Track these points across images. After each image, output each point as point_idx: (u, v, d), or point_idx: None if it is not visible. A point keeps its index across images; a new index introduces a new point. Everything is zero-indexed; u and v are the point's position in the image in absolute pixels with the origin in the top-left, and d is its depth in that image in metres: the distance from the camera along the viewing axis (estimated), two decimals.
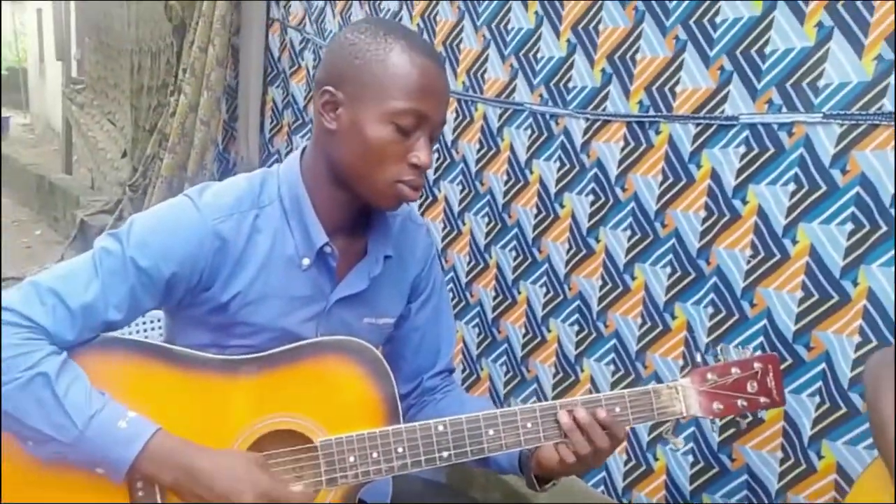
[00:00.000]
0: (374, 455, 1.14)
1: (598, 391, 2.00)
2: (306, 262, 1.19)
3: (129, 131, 5.23)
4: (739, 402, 1.24)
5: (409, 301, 1.34)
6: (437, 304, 1.37)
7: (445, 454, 1.14)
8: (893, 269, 1.45)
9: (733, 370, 1.24)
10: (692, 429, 1.80)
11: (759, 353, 1.31)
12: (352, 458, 1.13)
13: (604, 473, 2.00)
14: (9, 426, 1.06)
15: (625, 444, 1.94)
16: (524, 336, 2.23)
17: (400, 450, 1.14)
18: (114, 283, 1.10)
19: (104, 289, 1.09)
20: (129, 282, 1.10)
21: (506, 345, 2.28)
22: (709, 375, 1.24)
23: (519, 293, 2.24)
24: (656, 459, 1.90)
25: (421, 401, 1.36)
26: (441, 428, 1.14)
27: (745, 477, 1.72)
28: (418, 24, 2.51)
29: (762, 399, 1.26)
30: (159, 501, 1.10)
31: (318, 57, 3.10)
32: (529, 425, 1.15)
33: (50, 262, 4.46)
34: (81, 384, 1.07)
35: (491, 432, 1.15)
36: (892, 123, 1.44)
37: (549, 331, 2.17)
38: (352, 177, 1.16)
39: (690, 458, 1.82)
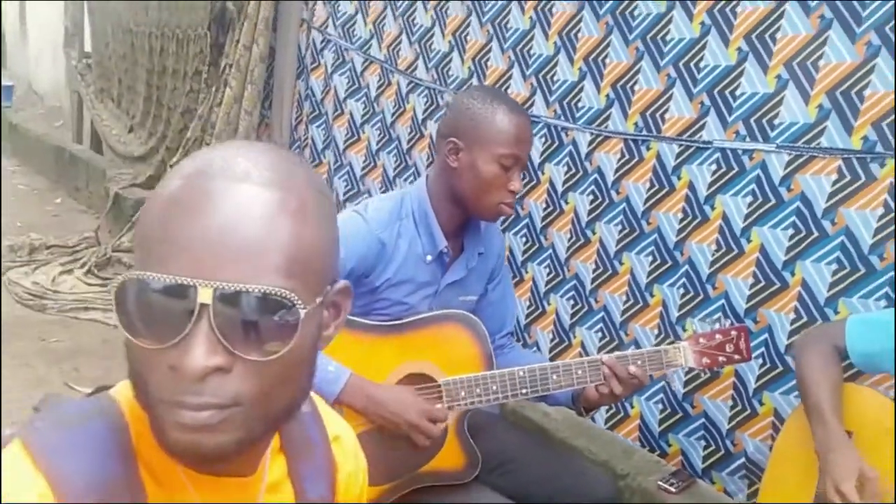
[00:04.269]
0: (478, 391, 1.61)
1: (587, 355, 2.48)
2: (429, 258, 1.69)
3: (137, 108, 5.54)
4: (720, 357, 1.73)
5: (487, 283, 1.81)
6: (504, 285, 1.88)
7: (524, 391, 1.62)
8: (823, 264, 1.94)
9: (717, 336, 1.73)
10: (662, 383, 2.29)
11: (730, 324, 1.81)
12: (462, 393, 1.60)
13: (598, 422, 2.48)
14: None
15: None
16: (528, 308, 2.70)
17: (494, 388, 1.61)
18: None
19: None
20: None
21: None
22: (700, 339, 1.72)
23: (526, 273, 2.71)
24: (632, 407, 2.39)
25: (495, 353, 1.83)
26: (521, 373, 1.62)
27: (702, 420, 2.21)
28: (449, 41, 2.95)
29: (736, 356, 1.74)
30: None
31: (339, 56, 3.50)
32: (580, 373, 1.63)
33: (80, 230, 4.80)
34: None
35: (555, 377, 1.62)
36: (828, 156, 1.93)
37: (548, 304, 2.64)
38: (468, 199, 1.65)
39: (660, 406, 2.31)
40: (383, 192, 3.17)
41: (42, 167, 6.57)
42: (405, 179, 3.14)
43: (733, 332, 1.74)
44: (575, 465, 1.83)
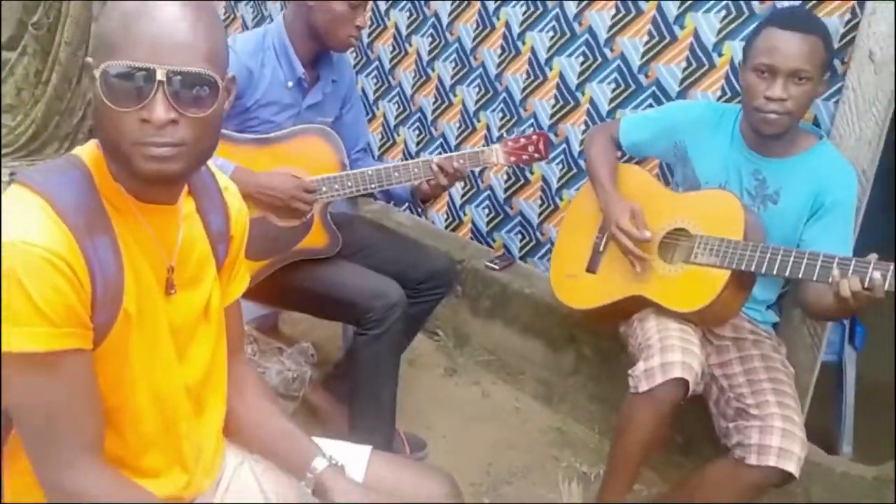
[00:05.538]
0: (336, 186, 2.02)
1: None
2: (290, 84, 2.04)
3: None
4: (524, 156, 2.23)
5: (342, 107, 2.21)
6: (356, 109, 2.28)
7: (373, 185, 2.05)
8: (605, 84, 2.47)
9: (522, 140, 2.22)
10: (487, 192, 2.83)
11: (536, 130, 2.32)
12: (324, 188, 2.01)
13: (438, 224, 3.01)
14: None
15: (447, 203, 2.95)
16: (381, 140, 3.13)
17: (349, 183, 2.02)
18: None
19: None
20: None
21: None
22: (509, 143, 2.20)
23: (378, 110, 3.12)
24: (465, 214, 2.93)
25: (352, 165, 2.25)
26: (370, 172, 2.04)
27: (519, 218, 2.78)
28: None
29: (536, 155, 2.24)
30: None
31: None
32: (416, 170, 2.07)
33: None
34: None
35: (396, 174, 2.06)
36: None
37: (398, 136, 3.08)
38: (321, 33, 1.99)
39: (486, 211, 2.87)
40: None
41: None
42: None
43: (534, 137, 2.25)
44: (420, 247, 2.33)
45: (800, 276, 1.61)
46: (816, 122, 2.05)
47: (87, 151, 1.08)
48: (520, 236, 2.79)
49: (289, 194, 1.93)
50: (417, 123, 3.04)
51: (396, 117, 3.11)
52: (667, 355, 1.69)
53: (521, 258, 2.79)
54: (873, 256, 1.56)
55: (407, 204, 2.63)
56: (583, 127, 2.53)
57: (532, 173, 2.71)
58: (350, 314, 2.04)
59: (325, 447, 1.27)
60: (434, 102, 2.97)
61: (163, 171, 1.00)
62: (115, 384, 1.07)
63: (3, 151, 3.56)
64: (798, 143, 1.83)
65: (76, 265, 0.98)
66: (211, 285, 1.21)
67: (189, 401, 1.19)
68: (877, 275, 1.50)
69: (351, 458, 1.29)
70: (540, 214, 2.71)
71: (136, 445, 1.11)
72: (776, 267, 1.64)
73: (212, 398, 1.24)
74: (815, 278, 1.59)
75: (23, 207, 0.99)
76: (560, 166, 2.64)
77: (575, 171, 2.60)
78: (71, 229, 0.98)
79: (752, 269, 1.68)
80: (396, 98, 3.09)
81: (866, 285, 1.51)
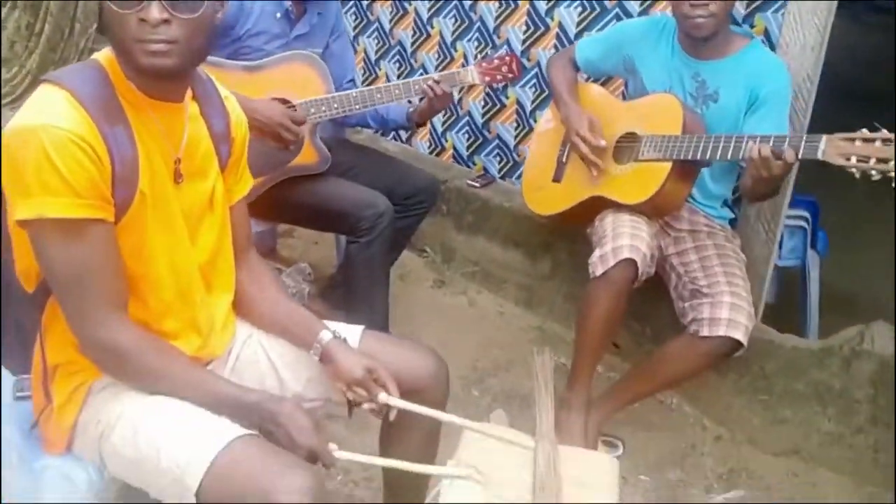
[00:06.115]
0: (323, 108, 2.19)
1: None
2: (278, 15, 2.20)
3: None
4: (498, 75, 2.40)
5: (329, 37, 2.36)
6: (343, 40, 2.43)
7: (357, 106, 2.21)
8: (572, 9, 2.63)
9: (495, 60, 2.39)
10: (467, 118, 3.01)
11: (508, 52, 2.49)
12: (312, 110, 2.17)
13: (422, 150, 3.18)
14: None
15: (429, 131, 3.13)
16: (363, 74, 3.29)
17: (336, 105, 2.19)
18: None
19: None
20: None
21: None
22: (483, 64, 2.38)
23: (359, 45, 3.27)
24: (447, 141, 3.11)
25: None
26: (355, 94, 2.20)
27: (496, 142, 2.96)
28: None
29: (510, 74, 2.41)
30: None
31: None
32: (397, 91, 2.22)
33: None
34: None
35: (378, 95, 2.22)
36: None
37: (379, 70, 3.24)
38: None
39: (466, 136, 3.04)
40: None
41: None
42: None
43: (507, 58, 2.42)
44: (405, 166, 2.51)
45: (728, 157, 1.81)
46: (767, 34, 2.23)
47: (104, 55, 1.26)
48: (498, 158, 2.98)
49: (277, 122, 2.09)
50: (397, 56, 3.19)
51: (377, 52, 3.26)
52: (617, 241, 1.90)
53: (501, 178, 2.97)
54: (787, 133, 1.76)
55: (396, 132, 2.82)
56: (552, 51, 2.69)
57: (507, 98, 2.88)
58: (342, 224, 2.24)
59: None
60: (413, 35, 3.12)
61: (158, 66, 1.18)
62: (137, 256, 1.26)
63: (4, 101, 3.71)
64: (731, 45, 2.01)
65: (97, 147, 1.16)
66: (214, 180, 1.39)
67: (201, 278, 1.38)
68: (786, 146, 1.70)
69: (346, 334, 1.47)
70: (516, 136, 2.89)
71: (156, 310, 1.31)
72: (709, 152, 1.84)
73: (219, 280, 1.43)
74: (740, 156, 1.79)
75: (51, 100, 1.17)
76: (533, 89, 2.81)
77: (547, 93, 2.76)
78: (92, 117, 1.17)
79: (690, 157, 1.88)
80: (376, 33, 3.24)
81: (774, 150, 1.70)
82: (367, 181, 2.35)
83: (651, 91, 2.10)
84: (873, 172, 1.59)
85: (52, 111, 1.15)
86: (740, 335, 1.88)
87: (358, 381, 1.37)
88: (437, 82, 2.25)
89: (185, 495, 1.18)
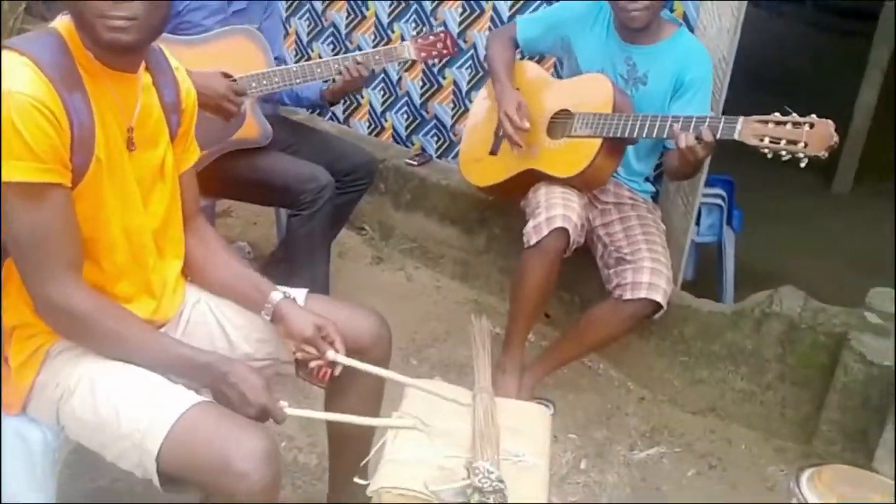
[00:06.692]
0: (264, 82, 2.21)
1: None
2: None
3: None
4: (434, 52, 2.47)
5: (263, 13, 2.39)
6: (274, 17, 2.45)
7: (297, 81, 2.24)
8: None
9: (431, 37, 2.46)
10: (405, 98, 3.08)
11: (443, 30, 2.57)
12: (253, 84, 2.19)
13: (361, 131, 3.24)
14: None
15: (367, 111, 3.19)
16: (296, 56, 3.32)
17: (276, 79, 2.22)
18: None
19: None
20: None
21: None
22: (419, 40, 2.45)
23: (290, 27, 3.30)
24: (386, 121, 3.18)
25: None
26: (294, 69, 2.24)
27: (434, 121, 3.05)
28: None
29: (444, 51, 2.49)
30: None
31: None
32: (336, 66, 2.27)
33: None
34: None
35: (318, 70, 2.24)
36: None
37: (312, 51, 3.28)
38: None
39: (405, 117, 3.12)
40: None
41: None
42: None
43: (441, 35, 2.48)
44: (344, 143, 2.57)
45: (654, 135, 1.95)
46: (685, 17, 2.38)
47: (62, 24, 1.30)
48: (435, 138, 3.06)
49: (219, 94, 2.12)
50: (331, 38, 3.24)
51: (308, 34, 3.29)
52: (550, 211, 2.01)
53: (438, 157, 3.06)
54: (709, 114, 1.91)
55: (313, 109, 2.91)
56: (487, 33, 2.79)
57: (444, 79, 2.97)
58: (284, 198, 2.29)
59: None
60: (348, 17, 3.17)
61: (120, 40, 1.23)
62: (92, 219, 1.30)
63: None
64: (661, 31, 2.15)
65: (58, 113, 1.20)
66: (165, 149, 1.44)
67: (153, 243, 1.43)
68: (705, 127, 1.84)
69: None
70: (453, 116, 2.98)
71: (111, 273, 1.35)
72: (636, 130, 1.97)
73: (170, 247, 1.48)
74: (665, 135, 1.93)
75: (13, 66, 1.21)
76: (469, 70, 2.90)
77: (482, 73, 2.86)
78: (53, 84, 1.21)
79: (619, 134, 2.00)
80: (307, 14, 3.27)
81: (696, 134, 1.85)
82: (306, 157, 2.40)
83: (585, 71, 2.21)
84: (783, 153, 1.74)
85: (15, 77, 1.19)
86: (660, 297, 2.03)
87: (308, 338, 1.44)
88: (359, 63, 2.31)
89: (146, 459, 1.24)
